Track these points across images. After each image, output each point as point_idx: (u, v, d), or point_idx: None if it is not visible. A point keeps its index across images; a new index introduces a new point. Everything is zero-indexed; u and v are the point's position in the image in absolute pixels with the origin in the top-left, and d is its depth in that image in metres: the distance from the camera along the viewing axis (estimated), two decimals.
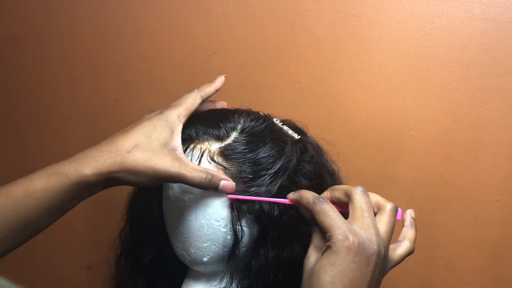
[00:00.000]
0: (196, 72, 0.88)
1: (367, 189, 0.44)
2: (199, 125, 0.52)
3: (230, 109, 0.56)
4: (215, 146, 0.50)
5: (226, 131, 0.51)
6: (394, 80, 0.71)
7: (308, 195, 0.45)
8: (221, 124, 0.51)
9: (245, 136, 0.51)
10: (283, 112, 0.60)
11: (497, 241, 0.70)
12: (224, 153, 0.50)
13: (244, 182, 0.49)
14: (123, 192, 0.64)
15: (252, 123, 0.52)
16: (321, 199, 0.43)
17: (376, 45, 0.71)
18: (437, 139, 0.70)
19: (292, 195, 0.47)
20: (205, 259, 0.52)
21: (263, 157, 0.50)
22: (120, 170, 0.46)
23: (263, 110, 0.58)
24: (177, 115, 0.50)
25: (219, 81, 0.55)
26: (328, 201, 0.43)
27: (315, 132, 0.60)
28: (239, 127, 0.52)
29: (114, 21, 0.93)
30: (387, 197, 0.44)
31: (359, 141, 0.75)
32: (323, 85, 0.76)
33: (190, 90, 0.53)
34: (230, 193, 0.48)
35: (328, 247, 0.40)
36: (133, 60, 0.93)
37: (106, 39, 0.95)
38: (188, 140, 0.51)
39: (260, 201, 0.49)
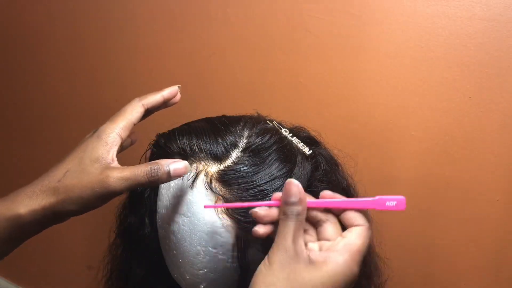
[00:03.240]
0: (196, 72, 0.87)
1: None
2: (194, 138, 0.46)
3: (233, 117, 0.51)
4: (213, 168, 0.45)
5: (226, 149, 0.45)
6: (394, 80, 0.71)
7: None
8: (220, 139, 0.46)
9: (248, 156, 0.45)
10: (283, 112, 0.60)
11: (497, 241, 0.70)
12: (224, 178, 0.44)
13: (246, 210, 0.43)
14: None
15: (257, 140, 0.46)
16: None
17: (376, 45, 0.71)
18: (437, 139, 0.70)
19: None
20: (202, 286, 0.47)
21: (268, 182, 0.44)
22: (53, 202, 0.40)
23: (262, 110, 0.57)
24: (112, 128, 0.44)
25: (169, 90, 0.49)
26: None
27: (314, 132, 0.59)
28: (241, 143, 0.46)
29: (113, 20, 0.93)
30: None
31: (359, 141, 0.75)
32: (323, 85, 0.76)
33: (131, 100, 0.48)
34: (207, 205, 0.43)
35: None
36: (132, 60, 0.93)
37: (105, 39, 0.95)
38: (182, 156, 0.46)
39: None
